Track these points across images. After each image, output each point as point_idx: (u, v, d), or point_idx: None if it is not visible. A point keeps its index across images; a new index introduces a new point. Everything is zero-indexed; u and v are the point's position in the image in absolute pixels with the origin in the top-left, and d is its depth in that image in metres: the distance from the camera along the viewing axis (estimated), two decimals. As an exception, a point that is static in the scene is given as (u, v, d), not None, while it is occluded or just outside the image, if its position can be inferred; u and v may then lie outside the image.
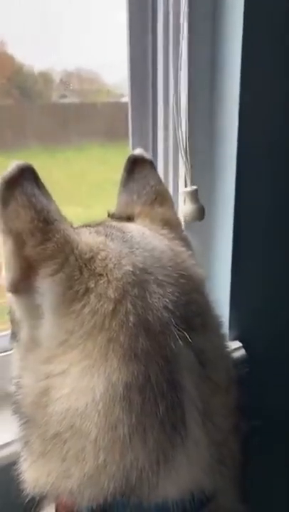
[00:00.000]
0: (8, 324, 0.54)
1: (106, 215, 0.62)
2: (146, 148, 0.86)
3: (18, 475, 0.47)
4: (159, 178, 0.64)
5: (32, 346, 0.48)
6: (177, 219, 0.62)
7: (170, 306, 0.46)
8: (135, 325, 0.44)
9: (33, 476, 0.46)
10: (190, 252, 0.55)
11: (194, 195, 0.87)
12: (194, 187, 0.87)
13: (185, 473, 0.44)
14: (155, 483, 0.42)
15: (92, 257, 0.47)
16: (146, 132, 0.90)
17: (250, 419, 0.53)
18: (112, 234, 0.50)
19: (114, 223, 0.55)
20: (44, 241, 0.45)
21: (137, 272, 0.46)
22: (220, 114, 0.93)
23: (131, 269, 0.46)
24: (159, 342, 0.44)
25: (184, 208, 0.87)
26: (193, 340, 0.46)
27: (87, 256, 0.46)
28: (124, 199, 0.62)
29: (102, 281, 0.45)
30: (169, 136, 0.90)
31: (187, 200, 0.87)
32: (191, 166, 0.87)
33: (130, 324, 0.44)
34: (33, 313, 0.47)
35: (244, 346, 1.00)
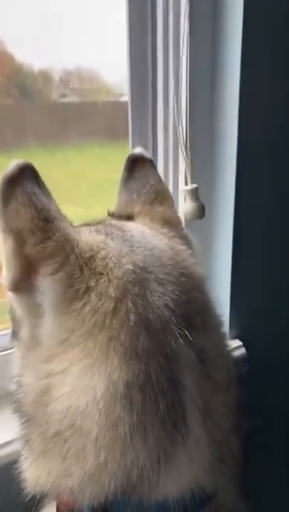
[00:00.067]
0: (9, 323, 0.54)
1: (106, 214, 0.62)
2: (146, 148, 0.85)
3: (18, 474, 0.47)
4: (159, 176, 0.64)
5: (33, 345, 0.48)
6: (177, 218, 0.62)
7: (171, 305, 0.46)
8: (136, 323, 0.44)
9: (34, 474, 0.46)
10: (190, 251, 0.55)
11: (195, 194, 0.87)
12: (195, 185, 0.87)
13: (186, 472, 0.44)
14: (156, 481, 0.43)
15: (92, 256, 0.47)
16: (146, 132, 0.90)
17: (250, 417, 0.53)
18: (112, 233, 0.50)
19: (115, 222, 0.55)
20: (44, 240, 0.45)
21: (138, 271, 0.46)
22: (220, 113, 0.93)
23: (131, 268, 0.46)
24: (160, 340, 0.44)
25: (184, 206, 0.87)
26: (193, 339, 0.46)
27: (87, 255, 0.47)
28: (124, 198, 0.62)
29: (102, 280, 0.45)
30: (169, 135, 0.90)
31: (187, 198, 0.87)
32: (192, 162, 0.87)
33: (131, 323, 0.44)
34: (34, 311, 0.47)
35: (244, 345, 1.00)
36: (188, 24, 0.84)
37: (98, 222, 0.54)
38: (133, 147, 0.81)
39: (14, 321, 0.52)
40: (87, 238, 0.48)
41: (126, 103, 0.89)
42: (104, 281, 0.45)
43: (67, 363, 0.44)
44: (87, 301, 0.45)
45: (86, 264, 0.46)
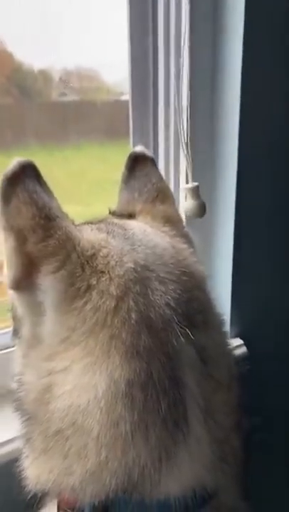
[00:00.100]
0: (10, 322, 0.54)
1: (107, 212, 0.62)
2: (147, 146, 0.85)
3: (20, 472, 0.47)
4: (160, 175, 0.64)
5: (34, 343, 0.48)
6: (179, 216, 0.62)
7: (172, 304, 0.46)
8: (137, 322, 0.44)
9: (35, 472, 0.46)
10: (192, 250, 0.55)
11: (196, 192, 0.87)
12: (196, 183, 0.87)
13: (187, 470, 0.44)
14: (157, 480, 0.43)
15: (93, 254, 0.47)
16: (147, 131, 0.91)
17: (250, 416, 0.53)
18: (114, 231, 0.50)
19: (116, 220, 0.55)
20: (46, 238, 0.45)
21: (139, 269, 0.46)
22: (221, 112, 0.93)
23: (133, 267, 0.46)
24: (161, 339, 0.44)
25: (185, 204, 0.87)
26: (194, 338, 0.46)
27: (88, 253, 0.46)
28: (125, 197, 0.62)
29: (104, 279, 0.45)
30: (170, 134, 0.90)
31: (188, 196, 0.87)
32: (192, 161, 0.87)
33: (132, 321, 0.44)
34: (35, 310, 0.47)
35: (245, 344, 1.01)
36: (189, 24, 0.84)
37: (100, 221, 0.54)
38: (134, 146, 0.81)
39: (15, 319, 0.52)
40: (89, 236, 0.48)
41: (126, 102, 0.89)
42: (106, 279, 0.45)
43: (68, 361, 0.44)
44: (89, 300, 0.45)
45: (87, 262, 0.46)
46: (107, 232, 0.50)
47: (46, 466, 0.44)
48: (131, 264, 0.46)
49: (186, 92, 0.87)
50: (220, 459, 0.47)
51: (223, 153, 0.94)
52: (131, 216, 0.59)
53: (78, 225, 0.51)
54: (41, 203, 0.45)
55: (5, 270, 0.47)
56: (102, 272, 0.46)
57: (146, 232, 0.52)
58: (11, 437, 0.64)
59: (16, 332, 0.52)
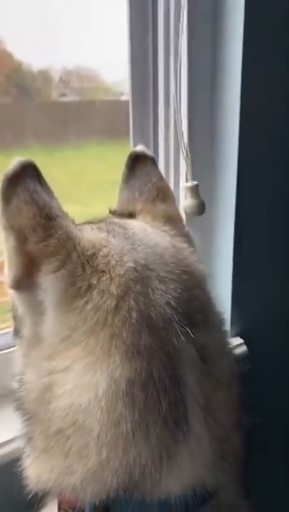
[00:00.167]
0: (11, 321, 0.54)
1: (107, 212, 0.62)
2: (147, 146, 0.85)
3: (21, 471, 0.47)
4: (160, 174, 0.64)
5: (35, 343, 0.48)
6: (179, 215, 0.62)
7: (172, 303, 0.46)
8: (138, 321, 0.44)
9: (36, 472, 0.46)
10: (192, 249, 0.55)
11: (195, 190, 0.87)
12: (195, 182, 0.87)
13: (187, 469, 0.44)
14: (158, 479, 0.43)
15: (94, 254, 0.47)
16: (147, 130, 0.91)
17: (250, 416, 0.53)
18: (114, 230, 0.50)
19: (116, 220, 0.55)
20: (46, 237, 0.45)
21: (139, 269, 0.46)
22: (221, 112, 0.93)
23: (133, 266, 0.46)
24: (162, 338, 0.44)
25: (184, 203, 0.88)
26: (195, 337, 0.46)
27: (89, 252, 0.47)
28: (125, 196, 0.62)
29: (104, 278, 0.45)
30: (170, 134, 0.90)
31: (188, 195, 0.87)
32: (192, 161, 0.87)
33: (133, 320, 0.44)
34: (36, 309, 0.47)
35: (245, 343, 1.01)
36: (189, 24, 0.84)
37: (100, 220, 0.54)
38: (134, 146, 0.81)
39: (16, 319, 0.52)
40: (89, 236, 0.48)
41: (125, 102, 0.89)
42: (106, 279, 0.45)
43: (69, 361, 0.44)
44: (89, 299, 0.45)
45: (88, 261, 0.46)
46: (108, 232, 0.50)
47: (47, 466, 0.44)
48: (131, 264, 0.46)
49: (186, 92, 0.87)
50: (220, 457, 0.47)
51: (223, 153, 0.94)
52: (131, 215, 0.59)
53: (79, 225, 0.51)
54: (42, 202, 0.45)
55: (5, 270, 0.47)
56: (103, 272, 0.46)
57: (147, 232, 0.52)
58: (11, 437, 0.64)
59: (16, 332, 0.52)
